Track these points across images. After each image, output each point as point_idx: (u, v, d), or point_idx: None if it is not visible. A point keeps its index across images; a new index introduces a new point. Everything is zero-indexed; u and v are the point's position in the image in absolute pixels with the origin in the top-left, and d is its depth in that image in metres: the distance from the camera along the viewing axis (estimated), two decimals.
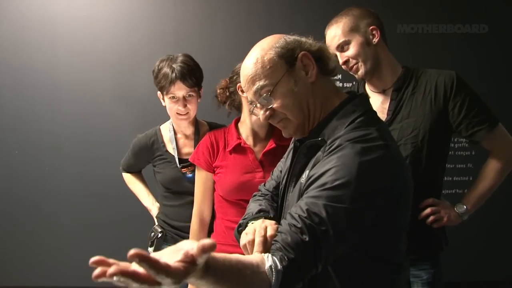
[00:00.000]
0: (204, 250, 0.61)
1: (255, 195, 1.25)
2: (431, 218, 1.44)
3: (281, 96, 0.98)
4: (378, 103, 1.51)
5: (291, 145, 1.16)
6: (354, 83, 1.77)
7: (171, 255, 0.63)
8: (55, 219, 2.70)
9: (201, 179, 1.68)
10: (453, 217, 1.46)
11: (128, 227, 2.62)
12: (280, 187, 1.13)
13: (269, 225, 0.96)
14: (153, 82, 1.75)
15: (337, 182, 0.84)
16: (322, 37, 1.44)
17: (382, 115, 1.46)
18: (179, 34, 2.71)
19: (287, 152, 1.20)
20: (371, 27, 1.47)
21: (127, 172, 2.00)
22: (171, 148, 1.81)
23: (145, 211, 1.97)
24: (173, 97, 1.69)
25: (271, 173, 1.29)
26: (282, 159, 1.26)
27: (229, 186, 1.59)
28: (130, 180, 2.00)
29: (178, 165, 1.78)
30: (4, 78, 2.69)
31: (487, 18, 2.72)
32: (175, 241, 1.77)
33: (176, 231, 1.81)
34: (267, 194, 1.21)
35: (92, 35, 2.70)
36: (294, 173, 1.03)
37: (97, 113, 2.70)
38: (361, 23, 1.46)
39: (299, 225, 0.82)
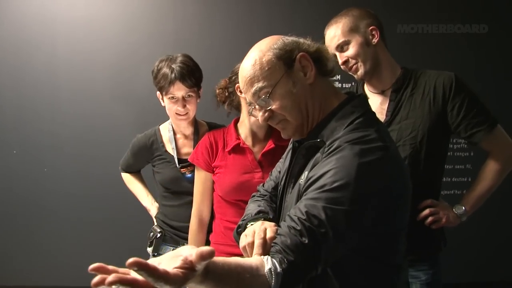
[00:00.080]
0: (203, 257, 0.61)
1: (253, 196, 1.25)
2: (430, 219, 1.44)
3: (279, 98, 0.97)
4: (377, 104, 1.51)
5: (290, 146, 1.15)
6: (353, 83, 1.77)
7: (170, 261, 0.63)
8: (55, 219, 2.71)
9: (200, 179, 1.69)
10: (452, 218, 1.46)
11: (127, 227, 2.63)
12: (279, 188, 1.13)
13: (269, 227, 0.96)
14: (152, 82, 1.74)
15: (336, 184, 0.84)
16: (321, 38, 1.43)
17: (381, 116, 1.46)
18: (178, 34, 2.71)
19: (285, 153, 1.19)
20: (370, 28, 1.47)
21: (126, 172, 2.00)
22: (170, 148, 1.81)
23: (144, 211, 1.97)
24: (173, 98, 1.68)
25: (269, 173, 1.29)
26: (280, 160, 1.25)
27: (228, 186, 1.60)
28: (129, 180, 2.00)
29: (177, 165, 1.78)
30: (4, 78, 2.69)
31: (487, 18, 2.72)
32: (174, 241, 1.79)
33: (175, 231, 1.80)
34: (265, 195, 1.21)
35: (92, 35, 2.70)
36: (293, 174, 1.03)
37: (97, 112, 2.70)
38: (361, 24, 1.47)
39: (298, 228, 0.82)
